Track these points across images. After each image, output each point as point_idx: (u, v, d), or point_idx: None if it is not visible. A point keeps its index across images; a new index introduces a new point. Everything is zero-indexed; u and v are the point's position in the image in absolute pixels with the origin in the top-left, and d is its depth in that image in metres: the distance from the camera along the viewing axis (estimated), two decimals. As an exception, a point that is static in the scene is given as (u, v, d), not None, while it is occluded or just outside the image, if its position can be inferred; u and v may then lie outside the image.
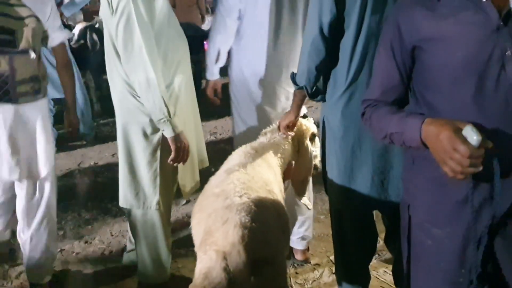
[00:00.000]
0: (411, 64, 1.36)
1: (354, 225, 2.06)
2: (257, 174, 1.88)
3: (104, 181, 3.87)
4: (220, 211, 1.59)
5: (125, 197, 2.27)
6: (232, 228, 1.50)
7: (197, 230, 1.69)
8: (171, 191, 2.36)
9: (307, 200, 2.41)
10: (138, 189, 2.23)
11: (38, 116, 2.22)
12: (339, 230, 2.12)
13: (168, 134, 2.09)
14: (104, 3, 2.04)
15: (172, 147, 2.11)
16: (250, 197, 1.63)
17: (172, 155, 2.13)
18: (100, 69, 5.39)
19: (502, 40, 1.18)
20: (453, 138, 1.11)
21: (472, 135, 1.10)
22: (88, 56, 5.00)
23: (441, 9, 1.26)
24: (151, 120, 2.13)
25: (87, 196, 3.69)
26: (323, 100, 1.97)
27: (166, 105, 2.04)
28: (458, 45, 1.22)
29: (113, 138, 4.78)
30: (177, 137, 2.10)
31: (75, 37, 4.87)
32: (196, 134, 2.42)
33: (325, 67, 1.88)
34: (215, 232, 1.53)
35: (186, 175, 2.35)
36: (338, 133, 1.92)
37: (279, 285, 1.59)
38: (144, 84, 2.00)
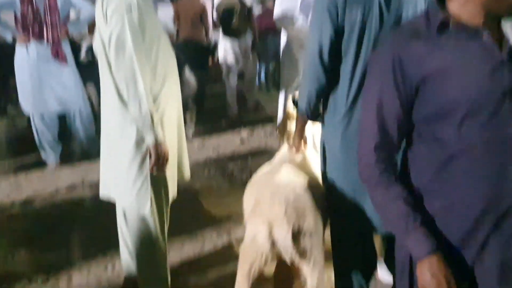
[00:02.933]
0: (414, 99, 1.34)
1: (355, 247, 2.08)
2: (305, 165, 2.17)
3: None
4: (270, 187, 1.90)
5: (122, 202, 2.36)
6: (278, 202, 1.80)
7: (248, 201, 2.01)
8: (163, 199, 2.41)
9: None
10: (131, 193, 2.28)
11: None
12: (340, 250, 2.14)
13: (150, 141, 2.18)
14: (98, 13, 2.14)
15: (153, 154, 2.20)
16: (297, 178, 1.94)
17: (152, 161, 2.21)
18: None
19: (508, 73, 1.22)
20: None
21: None
22: (93, 70, 5.05)
23: (444, 43, 1.27)
24: (138, 130, 2.20)
25: (91, 211, 3.70)
26: (334, 125, 1.97)
27: (151, 114, 2.14)
28: (469, 79, 1.24)
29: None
30: (158, 145, 2.19)
31: (83, 52, 4.92)
32: (180, 147, 2.49)
33: (324, 92, 1.93)
34: (264, 204, 1.83)
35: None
36: (340, 157, 1.95)
37: (314, 255, 1.81)
38: (132, 91, 2.10)
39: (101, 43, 2.17)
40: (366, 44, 1.81)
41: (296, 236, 1.77)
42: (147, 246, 2.40)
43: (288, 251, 1.76)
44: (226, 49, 6.16)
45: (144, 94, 2.11)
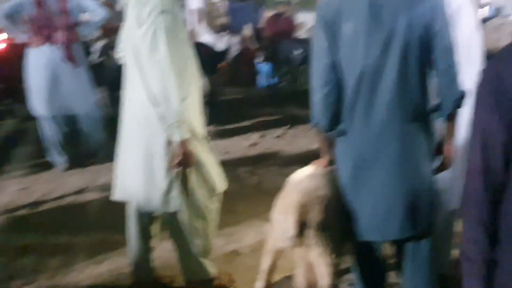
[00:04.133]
0: None
1: (358, 253, 2.17)
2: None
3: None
4: (296, 179, 2.11)
5: (149, 202, 2.40)
6: (296, 192, 2.00)
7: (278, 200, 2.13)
8: (193, 194, 2.44)
9: None
10: (161, 193, 2.35)
11: None
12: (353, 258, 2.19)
13: (177, 138, 2.24)
14: (131, 16, 2.22)
15: (179, 151, 2.26)
16: (324, 177, 2.08)
17: (177, 159, 2.27)
18: (116, 85, 5.44)
19: None
20: None
21: None
22: (105, 72, 5.06)
23: None
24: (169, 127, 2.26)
25: (99, 214, 3.67)
26: (340, 134, 2.02)
27: (180, 112, 2.20)
28: None
29: (126, 156, 4.81)
30: (184, 143, 2.25)
31: (96, 54, 4.93)
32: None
33: (330, 101, 1.96)
34: (285, 194, 2.06)
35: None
36: (340, 165, 2.05)
37: (318, 249, 1.96)
38: (164, 88, 2.17)
39: (130, 46, 2.25)
40: (359, 58, 1.85)
41: (302, 226, 1.92)
42: (182, 240, 2.49)
43: (290, 241, 1.93)
44: None
45: (176, 92, 2.18)
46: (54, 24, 4.25)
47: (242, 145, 5.39)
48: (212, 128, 5.61)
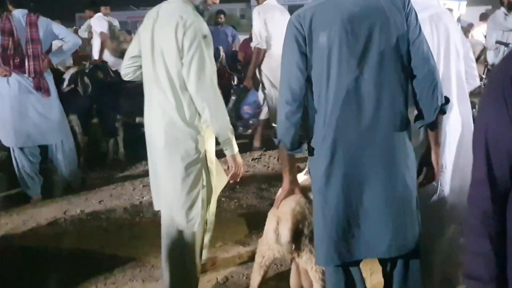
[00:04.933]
0: None
1: (334, 276, 2.02)
2: None
3: (91, 230, 3.76)
4: (290, 197, 2.13)
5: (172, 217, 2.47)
6: (290, 202, 2.07)
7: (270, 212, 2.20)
8: (205, 215, 2.57)
9: None
10: (185, 209, 2.42)
11: None
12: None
13: (231, 152, 2.43)
14: (171, 47, 2.31)
15: (233, 164, 2.45)
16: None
17: (233, 171, 2.46)
18: (88, 113, 5.36)
19: None
20: None
21: None
22: (77, 100, 4.97)
23: None
24: (196, 147, 2.39)
25: (73, 245, 3.54)
26: (308, 153, 2.00)
27: (231, 128, 2.39)
28: None
29: (100, 184, 4.72)
30: (236, 156, 2.44)
31: (66, 81, 4.85)
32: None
33: (296, 118, 1.94)
34: (281, 204, 2.11)
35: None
36: (321, 183, 1.92)
37: (309, 255, 2.04)
38: (215, 109, 2.33)
39: (164, 70, 2.33)
40: (336, 70, 1.83)
41: (297, 234, 2.00)
42: (186, 258, 2.52)
43: (286, 246, 1.99)
44: None
45: (226, 111, 2.39)
46: (24, 52, 4.18)
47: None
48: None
